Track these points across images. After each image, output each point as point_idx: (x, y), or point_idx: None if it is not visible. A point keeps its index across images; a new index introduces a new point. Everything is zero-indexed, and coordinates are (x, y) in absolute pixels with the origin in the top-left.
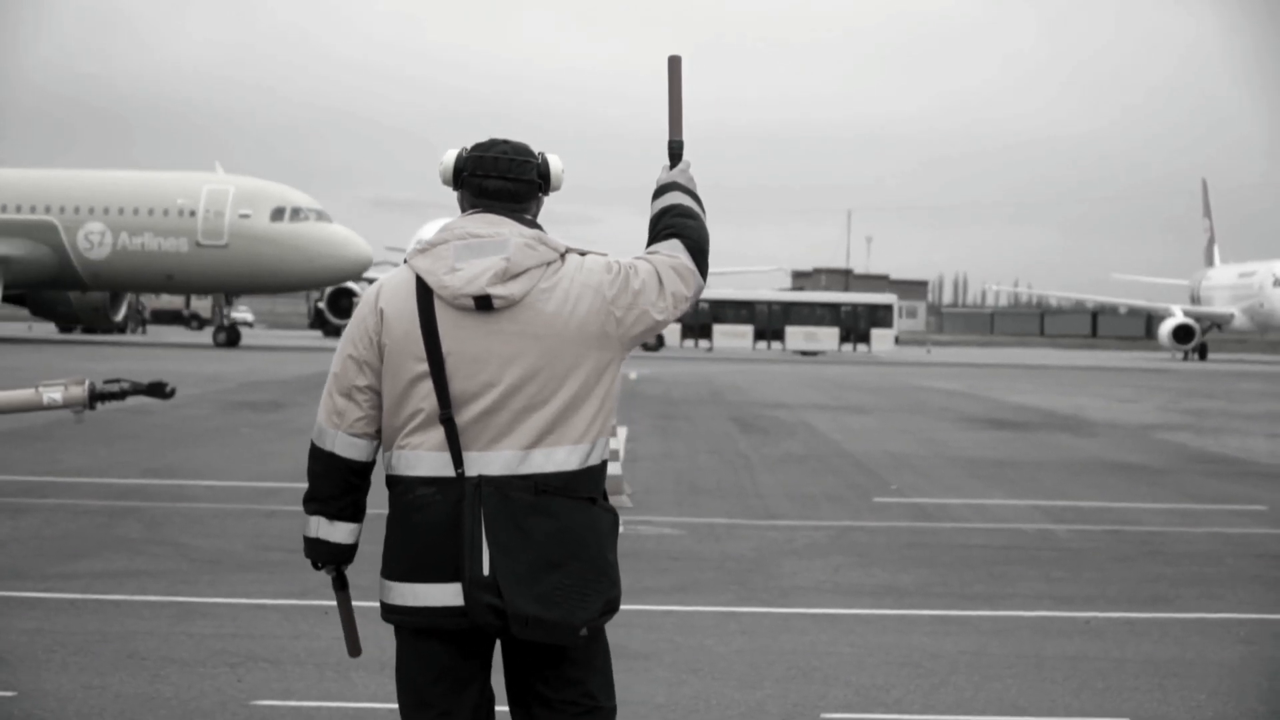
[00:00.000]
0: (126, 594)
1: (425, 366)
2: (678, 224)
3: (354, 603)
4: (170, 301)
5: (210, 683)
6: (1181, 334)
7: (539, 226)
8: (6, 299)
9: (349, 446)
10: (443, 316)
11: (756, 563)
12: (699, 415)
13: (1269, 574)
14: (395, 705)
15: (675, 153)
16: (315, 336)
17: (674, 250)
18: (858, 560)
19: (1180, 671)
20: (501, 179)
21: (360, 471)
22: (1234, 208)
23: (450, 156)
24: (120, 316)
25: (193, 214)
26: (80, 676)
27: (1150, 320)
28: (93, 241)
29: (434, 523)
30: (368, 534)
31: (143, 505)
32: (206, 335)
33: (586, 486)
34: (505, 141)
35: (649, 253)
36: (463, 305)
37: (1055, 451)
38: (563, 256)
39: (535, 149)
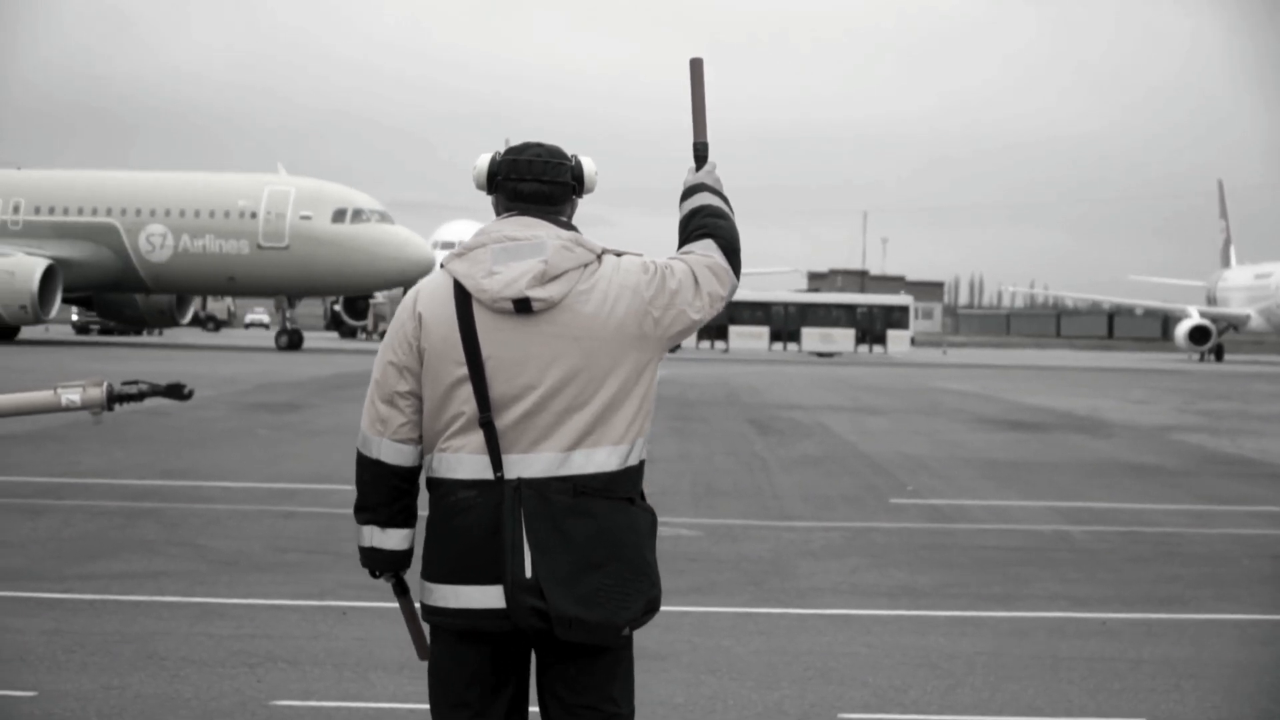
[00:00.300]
0: (145, 595)
1: (465, 370)
2: (710, 224)
3: (376, 603)
4: None
5: (229, 683)
6: (1198, 335)
7: (574, 228)
8: (72, 301)
9: (395, 453)
10: (481, 320)
11: (773, 564)
12: (715, 416)
13: None
14: (413, 705)
15: (700, 155)
16: (331, 338)
17: (708, 250)
18: (874, 561)
19: (1196, 672)
20: (536, 181)
21: (408, 477)
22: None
23: (484, 161)
24: (188, 319)
25: (254, 216)
26: (100, 677)
27: (1166, 321)
28: (154, 244)
29: (475, 525)
30: None
31: (160, 506)
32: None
33: (625, 487)
34: (539, 144)
35: (683, 253)
36: (501, 308)
37: (1071, 453)
38: (599, 258)
39: (569, 151)
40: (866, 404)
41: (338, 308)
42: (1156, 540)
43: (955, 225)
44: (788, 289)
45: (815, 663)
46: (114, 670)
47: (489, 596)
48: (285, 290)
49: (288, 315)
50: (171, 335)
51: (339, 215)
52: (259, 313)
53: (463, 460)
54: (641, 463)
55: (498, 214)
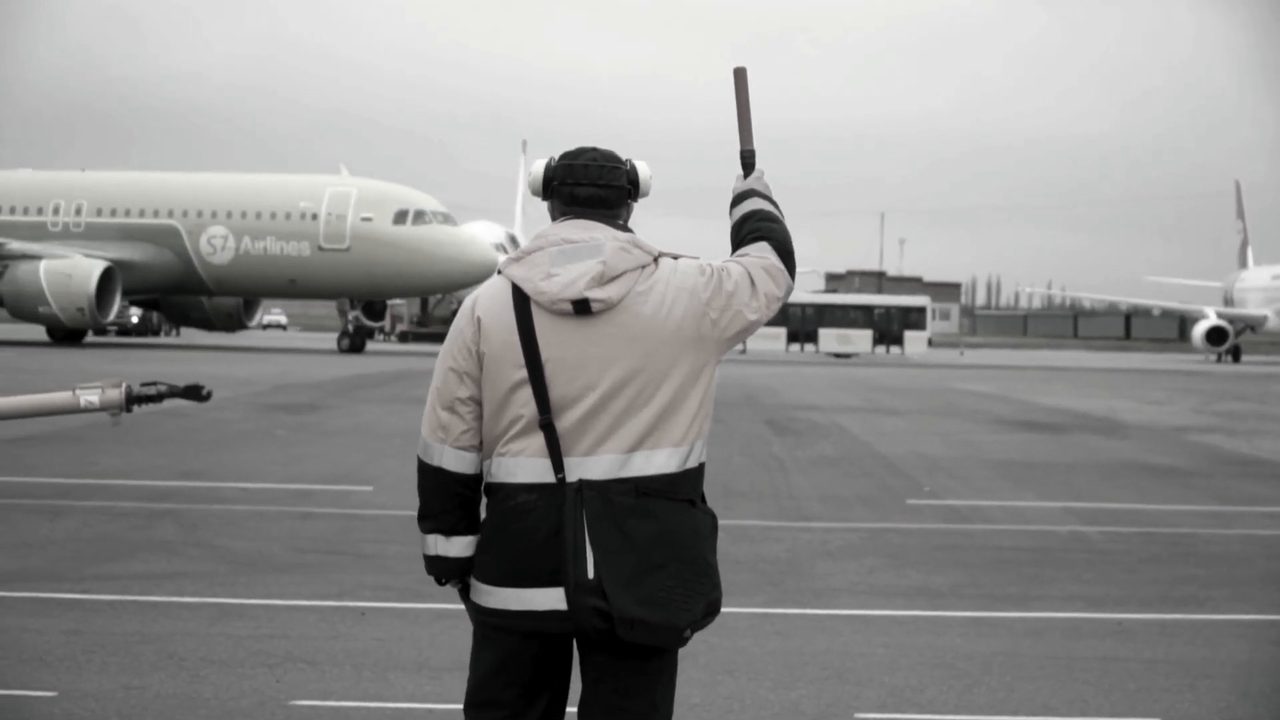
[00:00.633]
0: (164, 595)
1: (524, 373)
2: (763, 227)
3: (394, 604)
4: None
5: (249, 683)
6: (1214, 336)
7: (631, 231)
8: (138, 304)
9: (457, 460)
10: (540, 322)
11: (790, 564)
12: (732, 418)
13: None
14: (431, 705)
15: (748, 162)
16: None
17: (763, 252)
18: (891, 562)
19: (1212, 673)
20: (593, 186)
21: (470, 484)
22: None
23: (539, 166)
24: (255, 322)
25: (315, 217)
26: (119, 677)
27: (1184, 322)
28: (215, 246)
29: (536, 528)
30: (407, 534)
31: (179, 507)
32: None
33: (686, 489)
34: (594, 149)
35: (739, 255)
36: (560, 310)
37: (1087, 454)
38: (656, 260)
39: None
40: (883, 405)
41: (356, 311)
42: (1172, 541)
43: (973, 226)
44: (805, 290)
45: (832, 663)
46: (134, 670)
47: (550, 598)
48: (346, 292)
49: (350, 317)
50: (187, 336)
51: (400, 216)
52: (275, 313)
53: (522, 464)
54: (701, 465)
55: (553, 219)
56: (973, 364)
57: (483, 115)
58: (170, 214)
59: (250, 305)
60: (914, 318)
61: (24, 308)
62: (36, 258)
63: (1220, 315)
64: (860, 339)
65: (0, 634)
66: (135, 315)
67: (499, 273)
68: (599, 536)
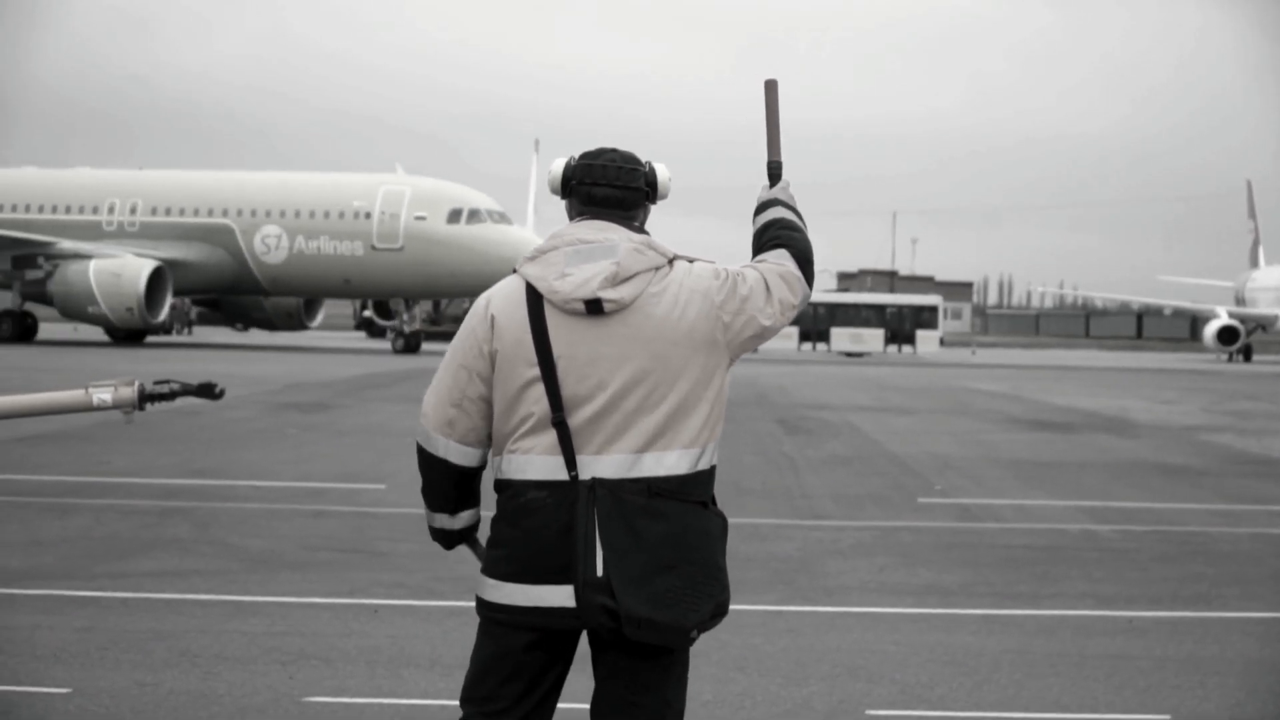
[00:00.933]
0: (177, 593)
1: (537, 371)
2: (783, 236)
3: (407, 601)
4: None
5: (263, 679)
6: (1226, 335)
7: (647, 233)
8: (199, 304)
9: (461, 455)
10: (553, 321)
11: (802, 562)
12: (744, 416)
13: None
14: (445, 702)
15: (774, 173)
16: (359, 338)
17: (781, 259)
18: (902, 560)
19: (1222, 670)
20: (610, 186)
21: (473, 475)
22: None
23: (558, 165)
24: (317, 322)
25: (368, 216)
26: (133, 674)
27: (1195, 322)
28: (269, 245)
29: (546, 526)
30: (419, 533)
31: (191, 505)
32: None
33: (697, 490)
34: (614, 150)
35: (756, 261)
36: (574, 309)
37: (1099, 453)
38: (671, 262)
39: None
40: (895, 404)
41: (368, 312)
42: (1182, 539)
43: (985, 226)
44: (817, 289)
45: (843, 660)
46: (147, 667)
47: (559, 596)
48: (400, 292)
49: (404, 318)
50: (201, 334)
51: (454, 216)
52: None
53: (533, 461)
54: (713, 467)
55: (571, 218)
56: (984, 363)
57: (492, 115)
58: (225, 213)
59: (311, 305)
60: (926, 317)
61: (73, 307)
62: (87, 257)
63: (1232, 315)
64: (872, 338)
65: (14, 631)
66: (193, 314)
67: (515, 271)
68: (609, 535)
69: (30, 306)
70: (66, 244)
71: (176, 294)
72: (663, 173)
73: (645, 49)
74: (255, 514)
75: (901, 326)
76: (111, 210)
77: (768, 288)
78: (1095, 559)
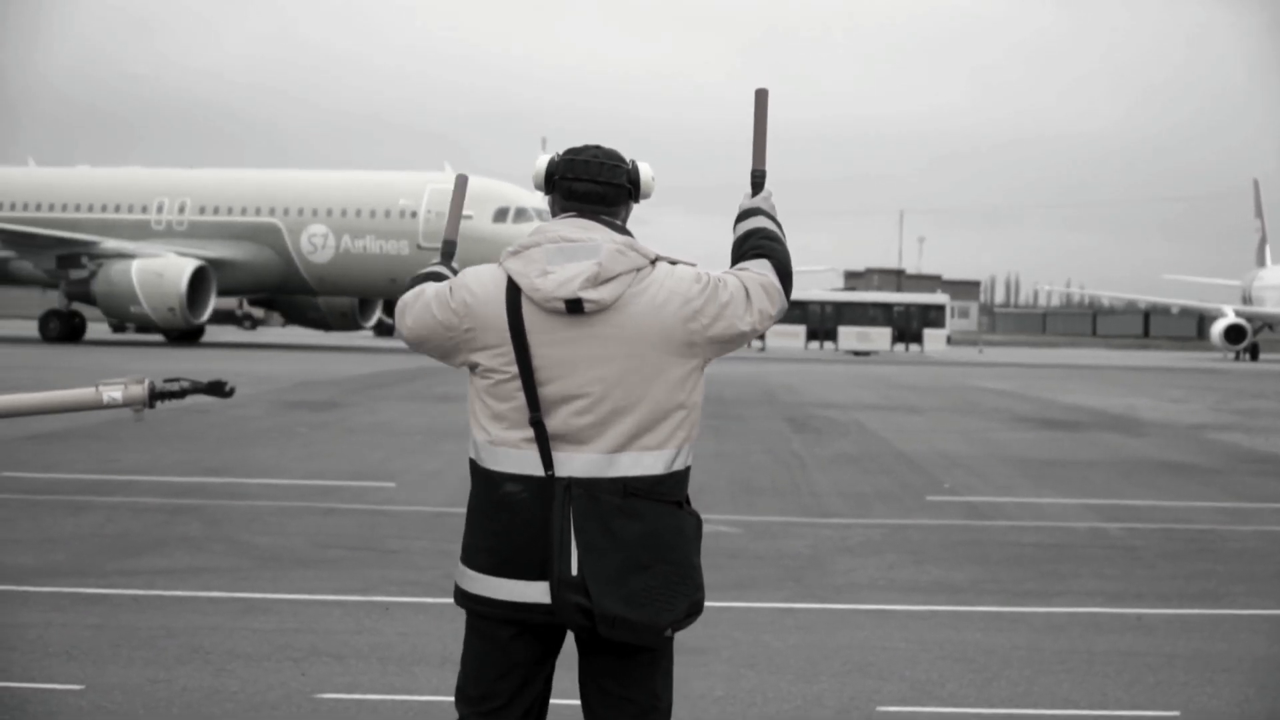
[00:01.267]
0: (188, 590)
1: (515, 369)
2: (765, 246)
3: (418, 599)
4: (224, 301)
5: (275, 676)
6: (1233, 334)
7: (629, 233)
8: (254, 303)
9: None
10: (531, 319)
11: (812, 560)
12: (752, 415)
13: None
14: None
15: (758, 182)
16: (366, 336)
17: (763, 269)
18: (911, 558)
19: (1230, 667)
20: (591, 182)
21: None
22: None
23: (543, 161)
24: (371, 323)
25: (414, 215)
26: (146, 670)
27: (1202, 321)
28: (315, 244)
29: (522, 520)
30: (430, 530)
31: (201, 503)
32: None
33: (672, 490)
34: (597, 147)
35: (738, 269)
36: (553, 308)
37: (1106, 451)
38: (653, 264)
39: (627, 156)
40: (903, 402)
41: (379, 313)
42: (1191, 537)
43: (992, 224)
44: (824, 288)
45: (853, 657)
46: (160, 664)
47: (534, 591)
48: None
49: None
50: (211, 333)
51: (500, 214)
52: None
53: (510, 454)
54: (688, 468)
55: (554, 214)
56: (992, 362)
57: (497, 114)
58: (271, 212)
59: (366, 305)
60: (933, 315)
61: (116, 307)
62: (130, 256)
63: (1239, 314)
64: (879, 337)
65: (26, 628)
66: (241, 312)
67: (499, 265)
68: (585, 535)
69: (76, 306)
70: (110, 243)
71: (224, 294)
72: (646, 171)
73: (650, 47)
74: (266, 512)
75: (909, 325)
76: (160, 209)
77: (748, 296)
78: (1104, 557)
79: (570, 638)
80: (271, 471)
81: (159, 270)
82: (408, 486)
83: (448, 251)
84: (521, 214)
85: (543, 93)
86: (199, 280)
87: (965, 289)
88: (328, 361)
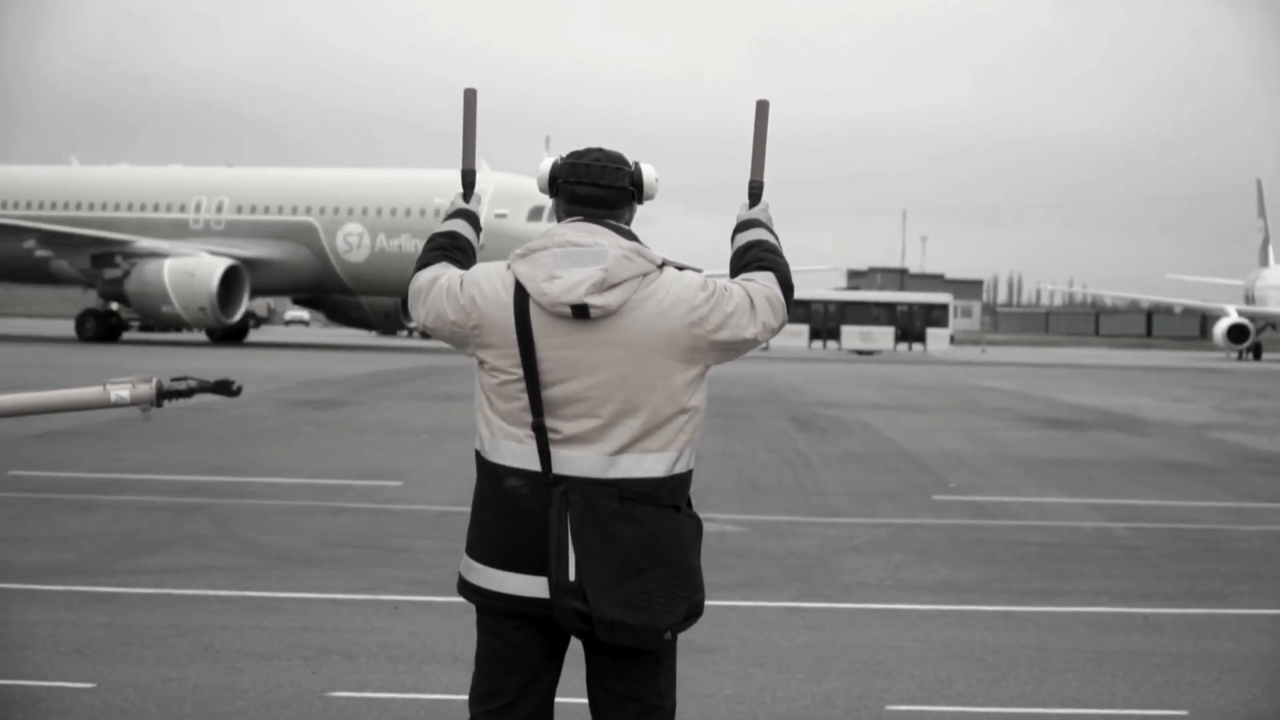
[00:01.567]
0: (198, 589)
1: (519, 372)
2: (768, 259)
3: (427, 598)
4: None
5: (286, 675)
6: (1236, 334)
7: (635, 237)
8: (300, 303)
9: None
10: (538, 322)
11: (819, 559)
12: (757, 414)
13: None
14: (467, 698)
15: (755, 193)
16: (371, 336)
17: (768, 282)
18: (918, 557)
19: (1237, 666)
20: (594, 185)
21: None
22: None
23: (546, 164)
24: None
25: None
26: (157, 669)
27: (1205, 320)
28: (351, 243)
29: (523, 515)
30: (437, 529)
31: (209, 502)
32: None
33: (672, 494)
34: (600, 149)
35: (744, 279)
36: (560, 313)
37: (1111, 450)
38: (660, 269)
39: (630, 158)
40: (907, 401)
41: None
42: (1196, 537)
43: (994, 224)
44: (827, 287)
45: (862, 656)
46: (171, 662)
47: (534, 586)
48: None
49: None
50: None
51: (535, 213)
52: (298, 310)
53: (514, 449)
54: (689, 471)
55: (558, 217)
56: (995, 361)
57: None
58: (308, 211)
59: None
60: (936, 315)
61: (148, 307)
62: (163, 256)
63: (1241, 313)
64: (882, 336)
65: (37, 626)
66: (279, 310)
67: (507, 266)
68: (582, 539)
69: (114, 306)
70: (144, 242)
71: (261, 293)
72: (649, 173)
73: (654, 46)
74: (273, 510)
75: (912, 325)
76: (198, 208)
77: (753, 306)
78: (1110, 556)
79: (576, 641)
80: (278, 470)
81: (190, 269)
82: (414, 485)
83: (468, 182)
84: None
85: (545, 92)
86: (231, 279)
87: (968, 288)
88: (331, 360)
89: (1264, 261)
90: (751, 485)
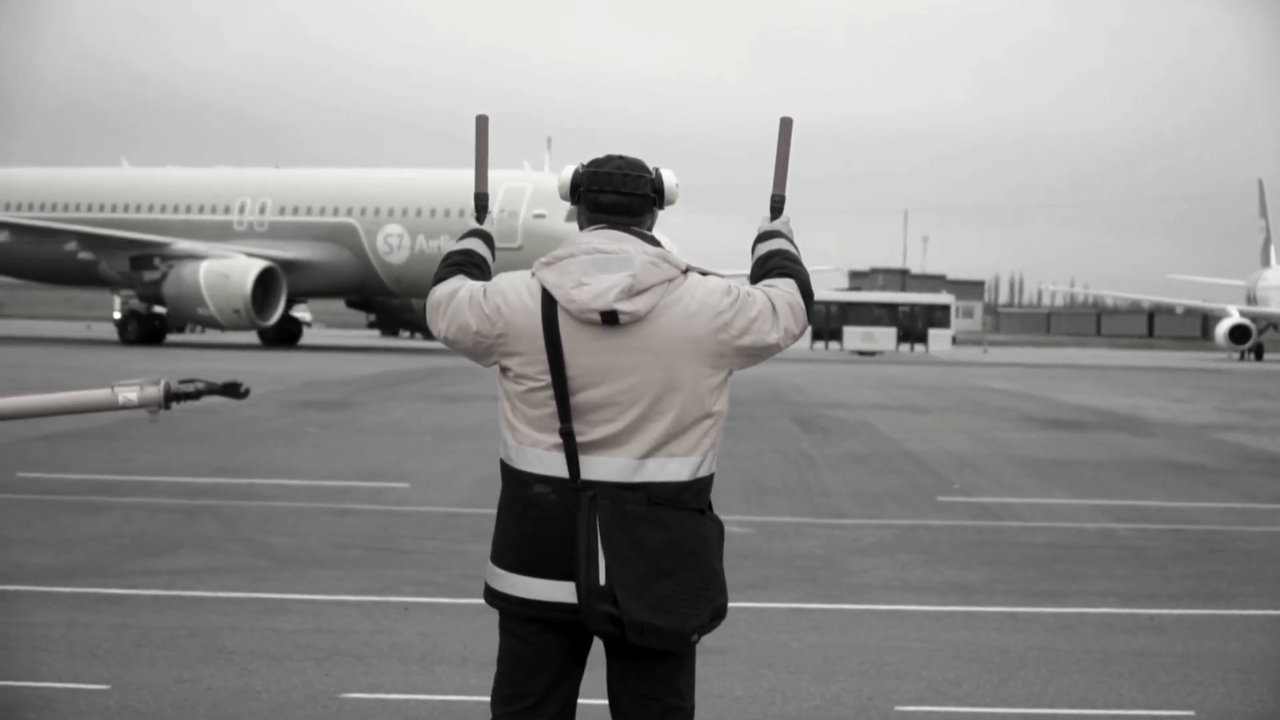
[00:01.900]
0: (208, 590)
1: (547, 379)
2: (789, 267)
3: (437, 599)
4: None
5: (298, 676)
6: (1238, 334)
7: (659, 243)
8: (352, 305)
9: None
10: (566, 329)
11: (825, 560)
12: (761, 415)
13: None
14: (479, 699)
15: (777, 207)
16: (374, 336)
17: (790, 289)
18: (924, 558)
19: (1243, 666)
20: (616, 193)
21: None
22: None
23: (567, 172)
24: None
25: None
26: (170, 670)
27: (1206, 321)
28: (391, 245)
29: (550, 522)
30: (444, 530)
31: (217, 504)
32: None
33: (696, 497)
34: (620, 157)
35: (766, 285)
36: (589, 319)
37: (1114, 451)
38: (684, 274)
39: (650, 164)
40: (910, 402)
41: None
42: (1200, 538)
43: (996, 224)
44: (829, 288)
45: (870, 657)
46: (184, 664)
47: (560, 591)
48: None
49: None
50: (215, 334)
51: (572, 214)
52: (301, 310)
53: (540, 457)
54: (711, 475)
55: (580, 225)
56: (997, 361)
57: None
58: (349, 212)
59: None
60: (938, 315)
61: (184, 309)
62: (200, 258)
63: (1243, 314)
64: (884, 337)
65: (50, 628)
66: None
67: (532, 274)
68: (611, 544)
69: (155, 309)
70: (182, 244)
71: (302, 295)
72: (669, 178)
73: (654, 46)
74: (281, 512)
75: (914, 325)
76: (242, 210)
77: (775, 311)
78: (1115, 557)
79: (598, 640)
80: (285, 472)
81: (225, 271)
82: (421, 487)
83: (481, 204)
84: None
85: (545, 92)
86: (268, 281)
87: (969, 289)
88: (335, 362)
89: (1265, 262)
90: (757, 486)
